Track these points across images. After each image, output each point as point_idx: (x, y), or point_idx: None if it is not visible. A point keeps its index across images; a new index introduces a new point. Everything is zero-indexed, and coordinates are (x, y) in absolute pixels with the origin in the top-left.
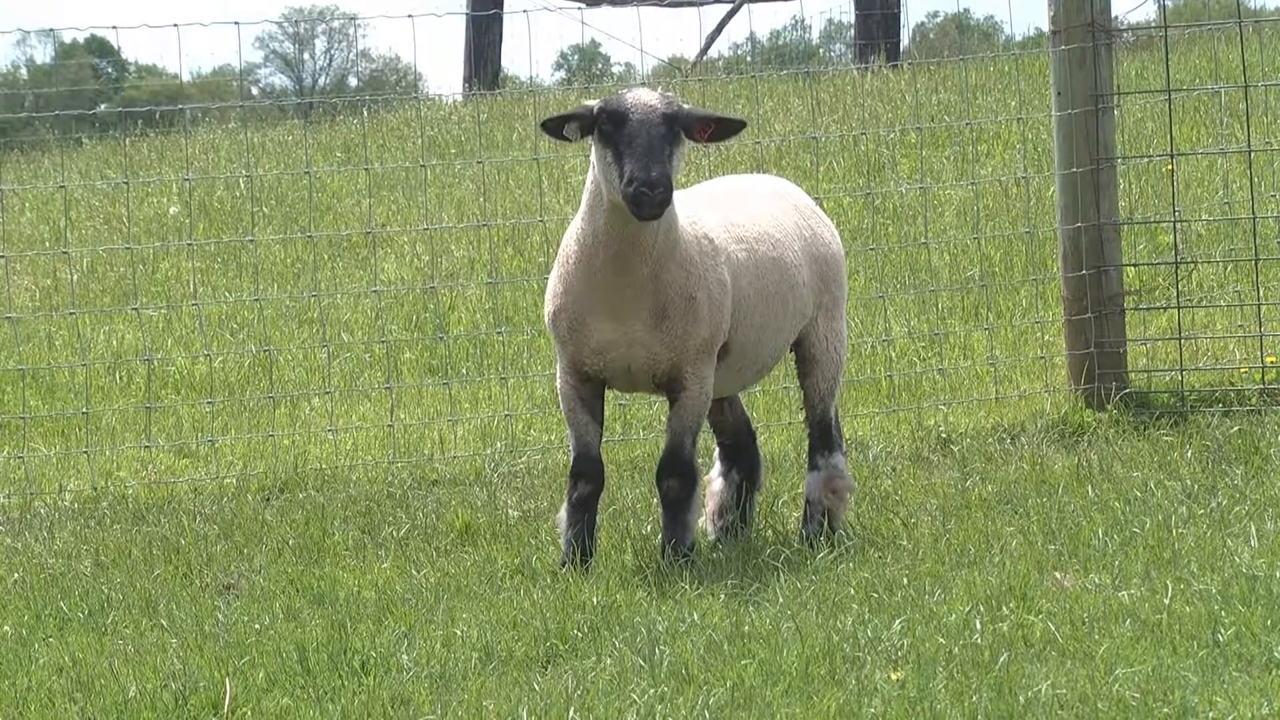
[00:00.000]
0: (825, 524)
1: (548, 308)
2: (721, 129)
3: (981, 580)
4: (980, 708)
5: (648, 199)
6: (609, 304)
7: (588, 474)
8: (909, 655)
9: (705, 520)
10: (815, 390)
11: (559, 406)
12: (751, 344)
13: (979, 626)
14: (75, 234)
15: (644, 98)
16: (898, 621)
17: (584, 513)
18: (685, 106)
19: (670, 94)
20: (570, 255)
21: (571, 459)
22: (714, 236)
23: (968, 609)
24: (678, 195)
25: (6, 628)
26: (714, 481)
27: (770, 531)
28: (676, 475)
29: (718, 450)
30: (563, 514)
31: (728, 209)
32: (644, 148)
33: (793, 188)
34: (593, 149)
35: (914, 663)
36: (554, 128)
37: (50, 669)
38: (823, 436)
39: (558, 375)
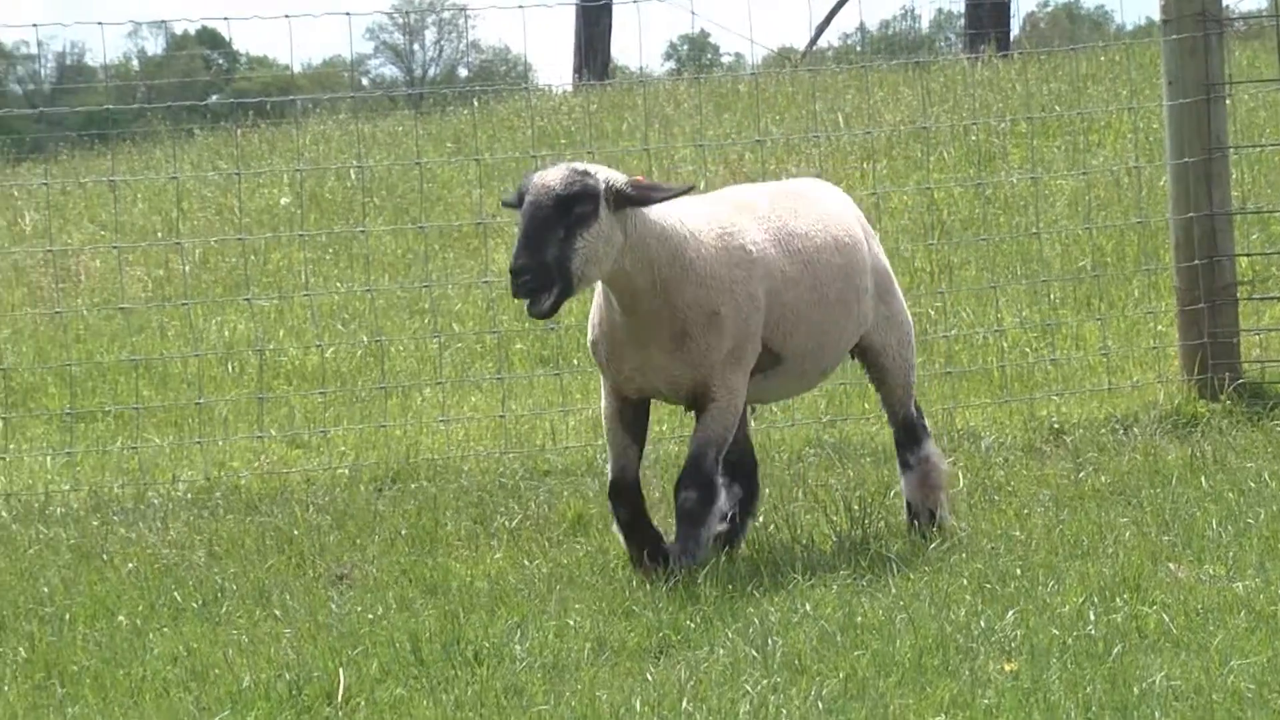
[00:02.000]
0: (933, 520)
1: (589, 336)
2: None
3: (1095, 571)
4: (1094, 699)
5: (514, 286)
6: (632, 334)
7: (623, 498)
8: (1022, 646)
9: None
10: (892, 397)
11: None
12: (811, 351)
13: (1093, 617)
14: (187, 225)
15: (546, 178)
16: (1011, 613)
17: (634, 532)
18: (604, 183)
19: (588, 168)
20: (597, 291)
21: (609, 481)
22: (754, 247)
23: (1081, 600)
24: (717, 201)
25: (121, 618)
26: None
27: (883, 523)
28: (696, 487)
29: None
30: (616, 529)
31: (789, 215)
32: (523, 232)
33: (848, 196)
34: None
35: (1027, 654)
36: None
37: (165, 658)
38: (908, 434)
39: (602, 397)
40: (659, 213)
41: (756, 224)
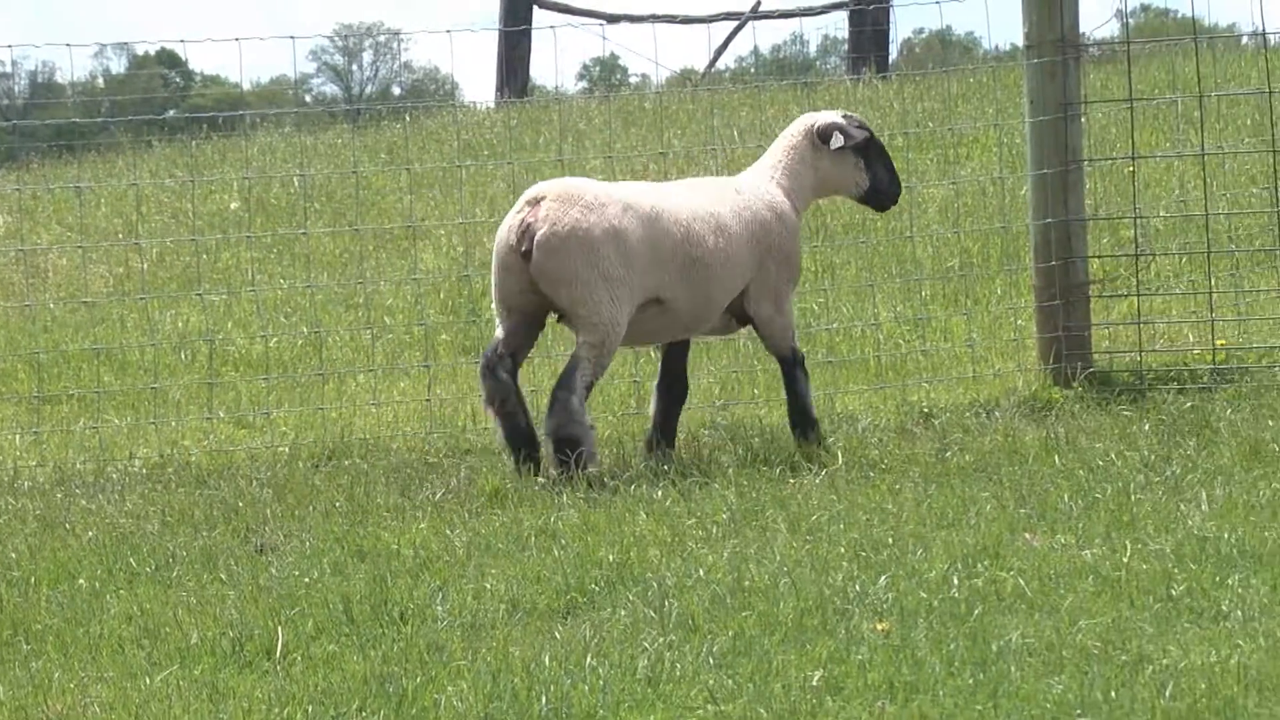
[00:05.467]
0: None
1: None
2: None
3: (959, 540)
4: (957, 655)
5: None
6: None
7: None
8: (893, 608)
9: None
10: None
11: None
12: None
13: (956, 582)
14: (146, 227)
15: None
16: (883, 578)
17: None
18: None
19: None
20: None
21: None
22: None
23: (946, 566)
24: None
25: (81, 581)
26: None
27: (769, 496)
28: None
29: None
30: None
31: None
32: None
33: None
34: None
35: (898, 615)
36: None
37: (120, 618)
38: None
39: None
40: None
41: None
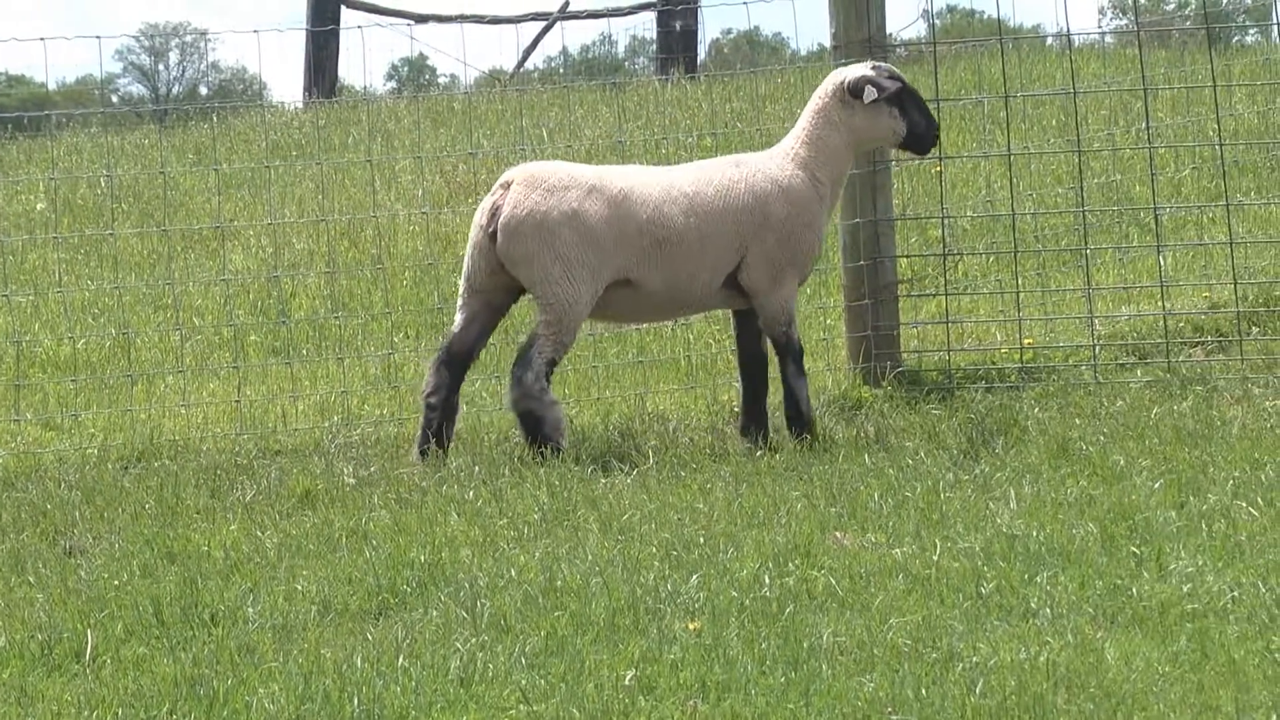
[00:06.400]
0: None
1: None
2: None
3: (770, 539)
4: (769, 653)
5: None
6: None
7: None
8: (705, 607)
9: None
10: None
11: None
12: None
13: (768, 581)
14: None
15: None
16: (695, 577)
17: None
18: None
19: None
20: None
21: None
22: None
23: (758, 565)
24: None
25: None
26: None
27: (580, 496)
28: None
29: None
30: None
31: None
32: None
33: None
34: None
35: (709, 614)
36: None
37: None
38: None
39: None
40: None
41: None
